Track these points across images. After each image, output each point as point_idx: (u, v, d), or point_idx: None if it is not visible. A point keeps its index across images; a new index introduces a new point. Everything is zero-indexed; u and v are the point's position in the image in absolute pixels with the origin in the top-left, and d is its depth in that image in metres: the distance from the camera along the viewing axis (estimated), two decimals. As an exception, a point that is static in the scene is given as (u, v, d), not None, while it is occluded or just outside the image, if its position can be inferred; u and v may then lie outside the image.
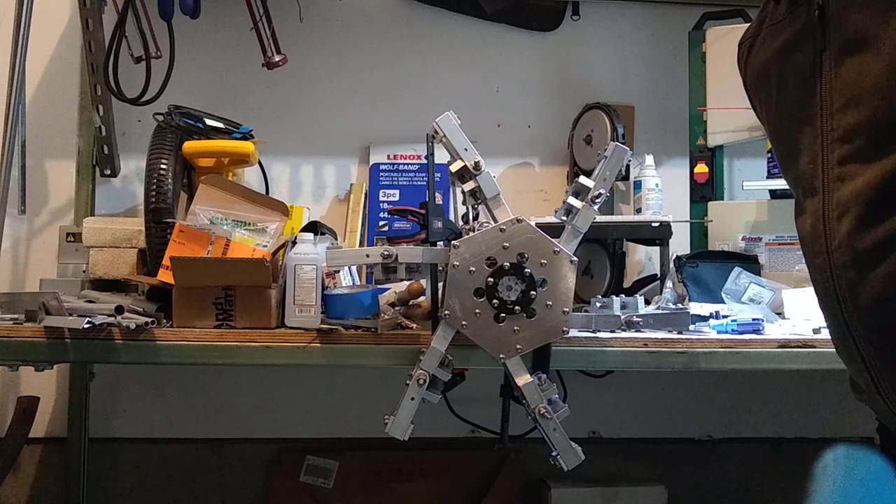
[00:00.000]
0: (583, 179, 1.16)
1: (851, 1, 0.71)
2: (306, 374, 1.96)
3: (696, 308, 1.46)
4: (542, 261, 1.14)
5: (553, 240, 1.15)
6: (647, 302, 1.53)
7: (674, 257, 1.60)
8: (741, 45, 0.88)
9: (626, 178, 1.89)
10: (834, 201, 0.73)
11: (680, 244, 1.81)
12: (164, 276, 1.31)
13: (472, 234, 1.16)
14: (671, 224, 1.64)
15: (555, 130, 2.02)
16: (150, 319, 1.23)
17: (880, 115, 0.68)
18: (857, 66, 0.70)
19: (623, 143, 1.20)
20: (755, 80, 0.86)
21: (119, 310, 1.20)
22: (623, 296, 1.37)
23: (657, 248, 1.70)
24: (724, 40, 1.83)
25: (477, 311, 1.14)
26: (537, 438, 1.20)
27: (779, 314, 1.49)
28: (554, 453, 1.16)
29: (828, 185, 0.74)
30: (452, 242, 1.14)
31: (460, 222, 1.29)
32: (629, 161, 1.71)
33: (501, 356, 1.15)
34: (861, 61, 0.70)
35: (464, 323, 1.14)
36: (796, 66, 0.77)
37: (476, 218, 1.24)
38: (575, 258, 1.15)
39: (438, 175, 1.82)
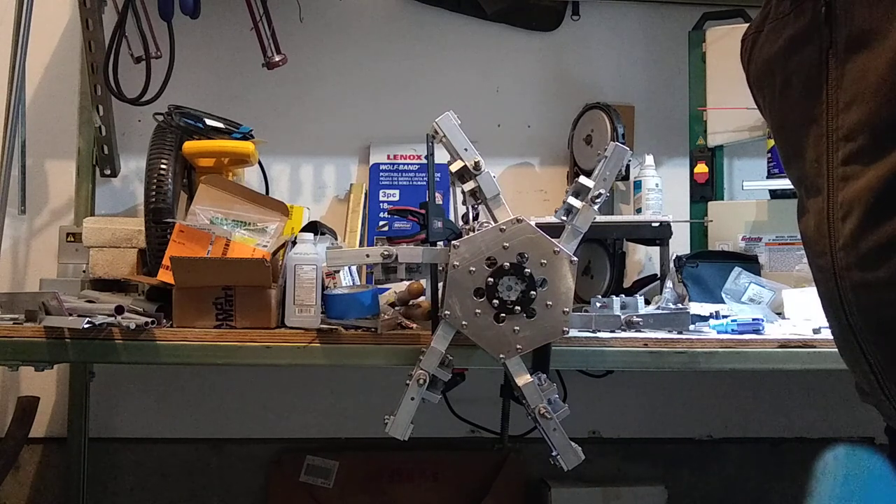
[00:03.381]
0: (583, 179, 1.16)
1: None
2: (306, 374, 1.96)
3: (696, 308, 1.46)
4: (542, 261, 1.14)
5: (553, 240, 1.15)
6: (647, 302, 1.53)
7: (674, 257, 1.60)
8: (744, 41, 0.87)
9: (626, 178, 1.89)
10: (838, 201, 0.72)
11: (680, 244, 1.81)
12: (164, 276, 1.31)
13: (472, 234, 1.15)
14: (671, 224, 1.64)
15: (555, 130, 2.02)
16: (150, 319, 1.22)
17: (882, 113, 0.68)
18: (862, 64, 0.69)
19: (623, 143, 1.20)
20: (759, 76, 0.85)
21: (119, 310, 1.20)
22: (623, 296, 1.37)
23: (657, 248, 1.70)
24: (724, 40, 1.83)
25: (477, 311, 1.14)
26: (537, 438, 1.20)
27: (779, 314, 1.49)
28: (554, 453, 1.16)
29: (832, 184, 0.73)
30: (452, 242, 1.14)
31: (460, 222, 1.29)
32: (629, 161, 1.71)
33: (501, 356, 1.15)
34: (865, 58, 0.69)
35: (464, 323, 1.14)
36: (801, 63, 0.77)
37: (476, 218, 1.24)
38: (575, 258, 1.15)
39: (438, 175, 1.82)
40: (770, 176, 1.75)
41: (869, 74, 0.69)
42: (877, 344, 0.72)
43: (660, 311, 1.40)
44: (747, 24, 0.88)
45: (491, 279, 1.13)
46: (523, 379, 1.15)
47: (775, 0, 0.81)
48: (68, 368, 1.85)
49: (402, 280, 1.24)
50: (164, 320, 1.27)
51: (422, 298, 1.39)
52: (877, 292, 0.69)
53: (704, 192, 1.88)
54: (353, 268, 1.60)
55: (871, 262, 0.69)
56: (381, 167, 1.94)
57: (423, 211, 1.23)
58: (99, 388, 1.89)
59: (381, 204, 1.91)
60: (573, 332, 1.23)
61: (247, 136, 1.61)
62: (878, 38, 0.68)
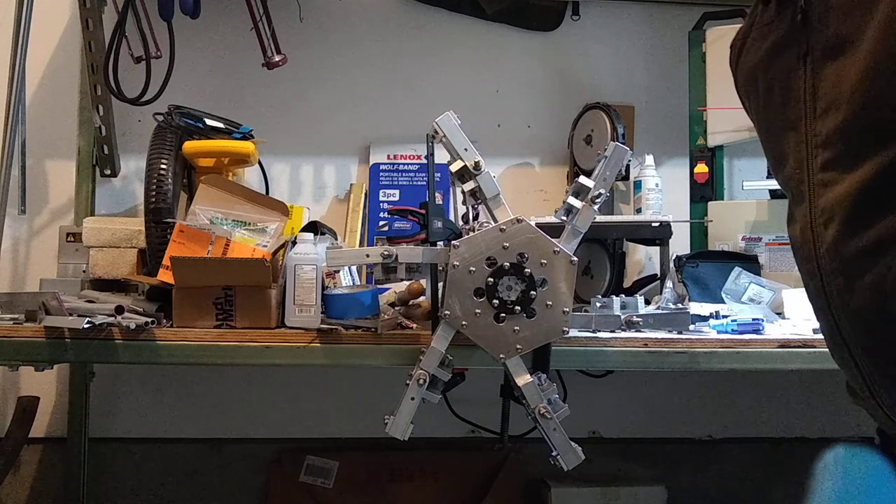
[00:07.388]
0: (583, 179, 1.16)
1: (832, 4, 0.71)
2: (306, 374, 1.96)
3: (696, 308, 1.46)
4: (542, 261, 1.14)
5: (553, 240, 1.15)
6: (647, 302, 1.53)
7: (674, 257, 1.60)
8: (732, 48, 0.88)
9: (626, 178, 1.89)
10: (819, 207, 0.73)
11: (680, 244, 1.81)
12: (164, 276, 1.31)
13: (472, 234, 1.15)
14: (671, 224, 1.64)
15: (555, 130, 2.02)
16: (150, 319, 1.22)
17: (857, 120, 0.68)
18: (837, 71, 0.70)
19: (623, 143, 1.20)
20: (745, 83, 0.86)
21: (119, 310, 1.20)
22: (623, 296, 1.37)
23: (657, 248, 1.70)
24: (724, 40, 1.83)
25: (477, 311, 1.14)
26: (537, 438, 1.20)
27: (779, 314, 1.49)
28: (554, 453, 1.16)
29: (813, 190, 0.74)
30: (452, 242, 1.14)
31: (460, 222, 1.29)
32: (629, 161, 1.71)
33: (501, 356, 1.15)
34: (840, 65, 0.69)
35: (464, 323, 1.14)
36: (781, 70, 0.77)
37: (476, 218, 1.24)
38: (575, 258, 1.15)
39: (438, 175, 1.82)
40: (770, 176, 1.74)
41: (843, 81, 0.69)
42: (864, 348, 0.72)
43: (660, 311, 1.40)
44: (743, 27, 0.89)
45: (491, 279, 1.13)
46: (523, 379, 1.15)
47: (761, 8, 0.82)
48: (68, 368, 1.85)
49: (402, 280, 1.24)
50: (164, 320, 1.27)
51: (422, 298, 1.39)
52: (862, 297, 0.69)
53: (704, 192, 1.88)
54: (353, 268, 1.60)
55: (855, 267, 0.69)
56: (381, 167, 1.94)
57: (423, 211, 1.23)
58: (99, 388, 1.89)
59: (381, 204, 1.91)
60: (573, 332, 1.23)
61: (247, 136, 1.61)
62: (852, 45, 0.68)
